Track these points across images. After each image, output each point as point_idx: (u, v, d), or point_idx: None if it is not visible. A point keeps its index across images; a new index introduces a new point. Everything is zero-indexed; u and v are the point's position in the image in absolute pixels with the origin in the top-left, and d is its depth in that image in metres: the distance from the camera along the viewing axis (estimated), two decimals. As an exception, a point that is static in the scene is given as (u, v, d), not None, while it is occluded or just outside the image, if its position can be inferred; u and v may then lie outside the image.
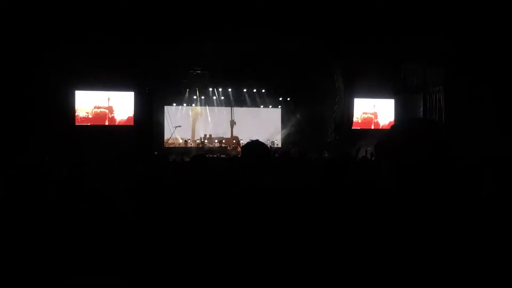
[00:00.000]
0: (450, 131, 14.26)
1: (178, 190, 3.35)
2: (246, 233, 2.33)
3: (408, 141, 1.57)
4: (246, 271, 2.22)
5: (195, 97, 19.30)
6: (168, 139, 18.64)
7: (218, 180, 3.34)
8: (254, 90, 19.46)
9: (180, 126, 18.75)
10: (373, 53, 14.42)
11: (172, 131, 18.65)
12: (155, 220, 2.76)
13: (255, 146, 2.89)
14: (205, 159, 3.98)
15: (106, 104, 15.90)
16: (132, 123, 15.93)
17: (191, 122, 19.91)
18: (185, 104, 19.44)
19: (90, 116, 15.75)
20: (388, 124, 17.60)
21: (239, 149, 17.63)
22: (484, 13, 11.70)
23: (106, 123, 15.90)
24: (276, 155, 8.43)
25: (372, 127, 17.62)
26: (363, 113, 17.67)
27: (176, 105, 19.37)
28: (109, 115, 15.90)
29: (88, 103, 15.74)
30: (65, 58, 13.64)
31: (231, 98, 19.56)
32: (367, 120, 17.72)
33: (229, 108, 19.87)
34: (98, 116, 15.83)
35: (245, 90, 19.46)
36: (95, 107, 15.80)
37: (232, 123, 19.92)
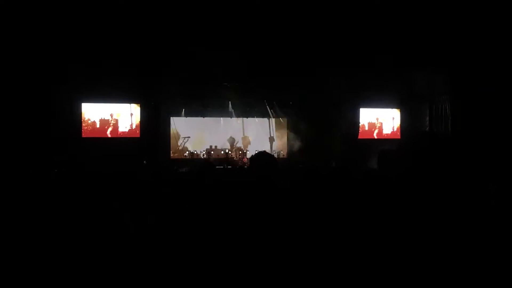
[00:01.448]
0: (456, 140, 14.21)
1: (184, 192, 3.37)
2: (252, 233, 2.34)
3: (413, 154, 1.59)
4: (250, 270, 2.22)
5: (201, 108, 19.32)
6: (179, 147, 18.68)
7: (225, 180, 3.36)
8: (261, 101, 19.46)
9: (189, 137, 18.79)
10: (378, 63, 14.42)
11: (182, 142, 18.73)
12: (159, 224, 2.77)
13: (263, 157, 2.91)
14: (212, 165, 4.01)
15: (112, 116, 15.97)
16: (138, 135, 15.99)
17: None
18: (191, 116, 19.46)
19: (97, 128, 15.82)
20: (391, 133, 17.60)
21: (245, 160, 17.63)
22: (491, 20, 11.69)
23: (112, 135, 15.96)
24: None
25: (376, 137, 17.62)
26: (369, 123, 17.67)
27: (183, 117, 19.40)
28: (116, 127, 15.97)
29: (94, 115, 15.82)
30: (71, 71, 13.74)
31: (238, 109, 19.56)
32: (373, 130, 17.72)
33: (234, 118, 19.87)
34: (105, 128, 15.90)
35: (250, 101, 19.45)
36: (101, 119, 15.88)
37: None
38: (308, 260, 2.21)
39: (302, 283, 2.15)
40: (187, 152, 19.01)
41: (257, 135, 20.22)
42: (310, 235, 2.34)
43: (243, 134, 20.06)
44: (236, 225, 2.42)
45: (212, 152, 19.15)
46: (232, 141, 19.86)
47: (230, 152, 19.34)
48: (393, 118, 17.78)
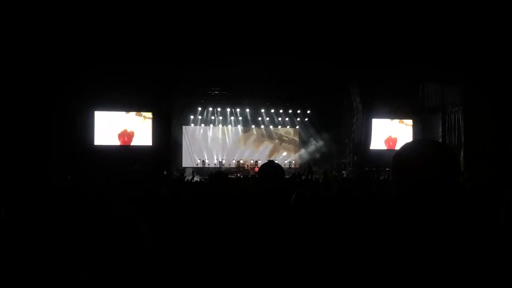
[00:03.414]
0: (469, 151, 14.12)
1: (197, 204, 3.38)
2: (260, 241, 2.34)
3: (417, 162, 1.57)
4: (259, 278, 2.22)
5: (213, 117, 19.43)
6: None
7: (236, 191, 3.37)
8: (272, 110, 19.50)
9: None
10: (391, 74, 14.39)
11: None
12: (172, 235, 2.78)
13: (271, 167, 2.92)
14: (224, 175, 4.03)
15: (125, 125, 16.07)
16: (150, 144, 16.06)
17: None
18: (203, 124, 19.56)
19: (109, 136, 15.90)
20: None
21: (256, 169, 17.63)
22: (503, 31, 11.63)
23: (124, 143, 16.04)
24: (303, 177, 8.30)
25: (390, 148, 17.53)
26: (381, 133, 17.60)
27: (194, 125, 19.49)
28: (128, 135, 16.06)
29: (107, 123, 15.91)
30: (85, 80, 13.84)
31: (249, 118, 19.62)
32: (385, 141, 17.64)
33: (246, 127, 19.92)
34: (117, 136, 16.00)
35: (262, 110, 19.52)
36: (114, 128, 15.97)
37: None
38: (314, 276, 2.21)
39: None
40: (199, 161, 19.09)
41: (270, 143, 20.26)
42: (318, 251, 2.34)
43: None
44: (242, 237, 2.43)
45: (223, 161, 19.25)
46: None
47: (241, 161, 19.39)
48: (406, 129, 17.69)
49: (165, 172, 13.62)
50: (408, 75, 14.64)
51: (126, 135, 16.05)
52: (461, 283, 1.34)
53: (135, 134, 16.07)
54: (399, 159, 1.59)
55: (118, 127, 16.02)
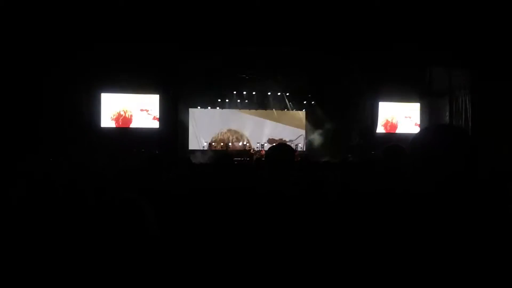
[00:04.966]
0: (477, 135, 14.05)
1: (200, 196, 3.37)
2: (267, 237, 2.34)
3: (440, 151, 1.54)
4: (265, 274, 2.23)
5: (219, 100, 19.41)
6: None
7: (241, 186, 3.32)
8: (279, 93, 19.45)
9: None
10: (398, 57, 14.28)
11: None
12: (176, 226, 2.78)
13: (280, 149, 2.84)
14: (230, 159, 3.99)
15: (131, 107, 16.07)
16: (157, 126, 16.07)
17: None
18: (209, 107, 19.55)
19: (116, 119, 15.93)
20: (410, 128, 17.41)
21: (262, 152, 17.63)
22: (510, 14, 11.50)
23: (132, 126, 16.06)
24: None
25: (395, 131, 17.48)
26: (388, 116, 17.53)
27: (201, 108, 19.48)
28: (135, 117, 16.07)
29: (114, 105, 15.93)
30: (91, 61, 13.82)
31: (255, 101, 19.59)
32: (392, 124, 17.58)
33: (254, 110, 19.90)
34: (124, 118, 16.02)
35: (269, 93, 19.46)
36: (120, 110, 15.98)
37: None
38: (329, 266, 2.20)
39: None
40: (206, 143, 19.13)
41: (277, 126, 20.24)
42: (333, 241, 2.33)
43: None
44: (255, 230, 2.42)
45: (230, 144, 19.29)
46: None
47: (247, 144, 19.42)
48: (413, 113, 17.60)
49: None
50: (415, 59, 14.53)
51: (132, 118, 16.06)
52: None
53: (141, 116, 16.07)
54: (426, 147, 1.55)
55: (125, 109, 16.02)
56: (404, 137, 16.24)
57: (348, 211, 2.60)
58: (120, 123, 15.97)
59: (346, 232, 2.34)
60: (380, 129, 17.08)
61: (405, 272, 1.47)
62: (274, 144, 3.02)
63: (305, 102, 19.92)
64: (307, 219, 2.43)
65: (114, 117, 15.92)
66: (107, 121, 15.78)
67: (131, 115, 16.07)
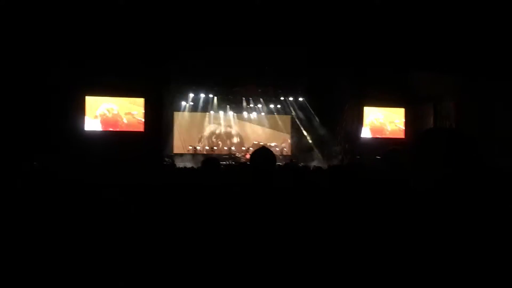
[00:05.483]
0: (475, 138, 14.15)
1: (186, 193, 3.35)
2: (252, 234, 2.32)
3: (441, 152, 1.56)
4: (251, 271, 2.20)
5: (205, 104, 19.35)
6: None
7: (228, 183, 3.33)
8: (264, 97, 19.45)
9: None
10: (383, 62, 14.35)
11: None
12: (160, 223, 2.76)
13: (262, 152, 2.89)
14: (217, 162, 3.98)
15: (116, 110, 15.95)
16: (142, 129, 15.96)
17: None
18: (194, 111, 19.48)
19: (100, 122, 15.79)
20: (395, 133, 17.51)
21: (247, 156, 17.61)
22: (495, 20, 11.63)
23: (116, 129, 15.93)
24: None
25: (381, 136, 17.56)
26: (373, 121, 17.61)
27: (186, 112, 19.41)
28: (119, 121, 15.95)
29: (98, 108, 15.78)
30: (75, 64, 13.69)
31: (241, 104, 19.59)
32: (377, 129, 17.66)
33: (239, 114, 19.90)
34: (108, 121, 15.88)
35: (255, 97, 19.47)
36: (105, 113, 15.84)
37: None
38: (315, 260, 2.19)
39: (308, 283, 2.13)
40: (191, 147, 19.05)
41: (262, 131, 20.26)
42: (317, 235, 2.32)
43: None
44: (240, 226, 2.40)
45: (215, 148, 19.26)
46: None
47: (233, 148, 19.41)
48: (398, 118, 17.71)
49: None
50: (400, 65, 14.62)
51: (117, 121, 15.93)
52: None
53: (126, 120, 15.94)
54: (423, 149, 1.58)
55: (109, 112, 15.89)
56: (389, 142, 16.34)
57: (338, 209, 2.62)
58: (107, 126, 15.81)
59: (335, 231, 2.34)
60: (365, 134, 17.14)
61: (401, 267, 1.46)
62: (257, 149, 3.08)
63: (290, 106, 19.94)
64: (293, 217, 2.43)
65: (101, 119, 15.74)
66: (91, 124, 15.62)
67: (116, 118, 15.92)
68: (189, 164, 14.27)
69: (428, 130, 1.66)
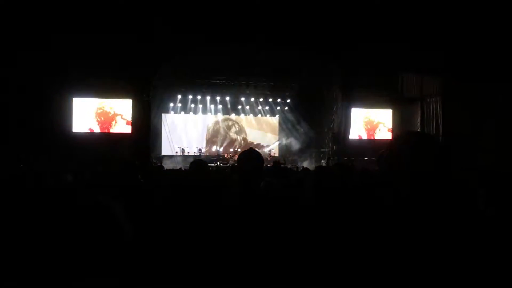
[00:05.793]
0: (447, 140, 14.30)
1: (175, 194, 3.36)
2: (239, 234, 2.34)
3: (412, 154, 1.59)
4: (241, 272, 2.22)
5: (193, 105, 19.33)
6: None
7: (216, 185, 3.34)
8: (252, 99, 19.48)
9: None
10: (371, 63, 14.42)
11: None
12: (149, 224, 2.76)
13: (250, 154, 2.90)
14: (205, 163, 4.00)
15: (104, 112, 15.84)
16: (130, 131, 15.86)
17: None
18: (182, 112, 19.44)
19: (88, 124, 15.67)
20: (383, 134, 17.59)
21: (235, 157, 17.61)
22: (481, 21, 11.76)
23: (103, 131, 15.83)
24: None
25: (369, 137, 17.63)
26: (361, 122, 17.67)
27: (174, 113, 19.36)
28: (107, 122, 15.85)
29: (85, 110, 15.66)
30: (62, 64, 13.59)
31: (229, 106, 19.60)
32: (364, 130, 17.72)
33: (227, 116, 19.92)
34: (96, 123, 15.78)
35: (243, 99, 19.49)
36: (93, 114, 15.73)
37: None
38: (303, 261, 2.21)
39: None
40: (179, 149, 19.01)
41: (250, 132, 20.31)
42: (306, 238, 2.34)
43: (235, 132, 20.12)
44: (230, 229, 2.42)
45: (203, 150, 19.23)
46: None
47: (221, 150, 19.43)
48: (385, 119, 17.78)
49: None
50: (388, 65, 14.70)
51: (105, 123, 15.83)
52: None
53: (114, 121, 15.85)
54: (395, 152, 1.60)
55: (97, 114, 15.77)
56: (376, 143, 16.43)
57: (324, 212, 2.63)
58: (94, 127, 15.70)
59: (321, 234, 2.35)
60: (353, 135, 17.20)
61: (381, 269, 1.48)
62: (245, 150, 3.09)
63: (278, 108, 20.00)
64: (282, 218, 2.44)
65: (89, 120, 15.61)
66: (78, 126, 15.50)
67: (104, 120, 15.82)
68: (177, 166, 14.26)
69: (398, 136, 1.68)
